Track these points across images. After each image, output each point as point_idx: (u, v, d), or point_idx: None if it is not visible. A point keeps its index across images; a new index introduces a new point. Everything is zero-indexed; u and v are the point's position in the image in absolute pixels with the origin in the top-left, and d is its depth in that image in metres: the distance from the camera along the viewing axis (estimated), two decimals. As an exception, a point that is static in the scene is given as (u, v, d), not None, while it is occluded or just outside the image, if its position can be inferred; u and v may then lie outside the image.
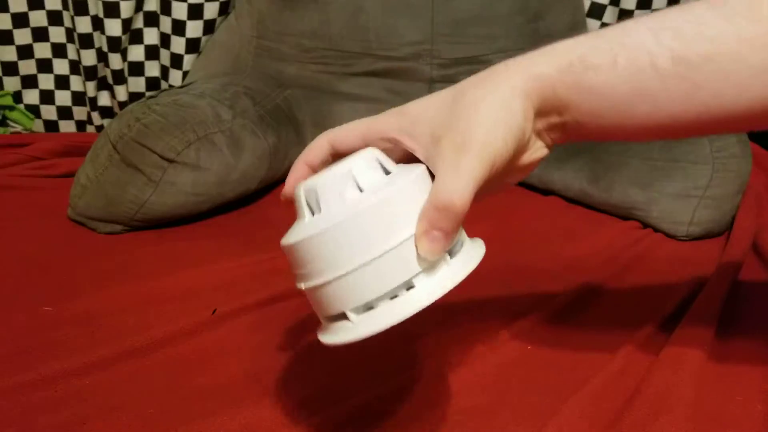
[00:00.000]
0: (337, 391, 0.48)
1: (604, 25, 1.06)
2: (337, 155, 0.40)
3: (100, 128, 1.13)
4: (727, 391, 0.48)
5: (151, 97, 0.83)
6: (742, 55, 0.34)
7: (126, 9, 1.03)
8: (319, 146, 0.41)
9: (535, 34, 0.96)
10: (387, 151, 0.39)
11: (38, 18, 1.07)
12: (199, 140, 0.77)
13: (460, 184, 0.34)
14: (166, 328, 0.55)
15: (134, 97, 1.10)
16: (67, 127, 1.14)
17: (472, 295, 0.63)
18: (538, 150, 0.40)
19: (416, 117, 0.38)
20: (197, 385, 0.49)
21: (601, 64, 0.36)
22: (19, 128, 1.12)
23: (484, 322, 0.57)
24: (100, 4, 1.02)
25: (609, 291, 0.64)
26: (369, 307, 0.35)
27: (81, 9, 1.03)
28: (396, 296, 0.35)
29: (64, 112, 1.13)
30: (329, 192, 0.36)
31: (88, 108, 1.12)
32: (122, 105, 1.10)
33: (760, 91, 0.35)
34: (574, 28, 1.02)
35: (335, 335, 0.36)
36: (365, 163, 0.36)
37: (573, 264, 0.69)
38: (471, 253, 0.37)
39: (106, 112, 1.13)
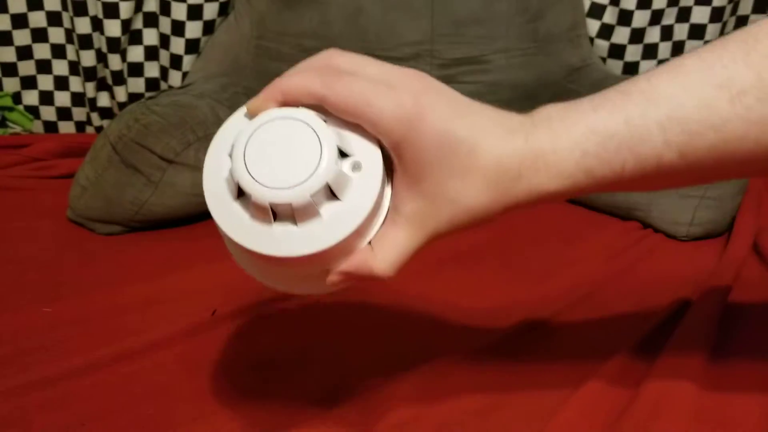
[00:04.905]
0: (337, 392, 0.48)
1: (604, 25, 1.05)
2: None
3: (99, 129, 1.13)
4: (727, 392, 0.48)
5: (150, 97, 0.83)
6: (751, 136, 0.34)
7: (125, 10, 1.03)
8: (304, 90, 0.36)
9: (535, 34, 0.96)
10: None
11: (37, 19, 1.07)
12: (198, 141, 0.77)
13: (391, 260, 0.36)
14: (165, 328, 0.55)
15: (134, 97, 1.10)
16: (66, 127, 1.14)
17: (471, 294, 0.63)
18: None
19: (420, 148, 0.35)
20: (197, 386, 0.49)
21: (607, 175, 0.36)
22: (18, 129, 1.12)
23: (483, 322, 0.57)
24: (100, 4, 1.02)
25: (609, 292, 0.64)
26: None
27: (80, 10, 1.03)
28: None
29: (64, 113, 1.13)
30: (307, 207, 0.34)
31: (87, 109, 1.12)
32: (122, 106, 1.10)
33: (763, 163, 0.35)
34: (574, 28, 1.02)
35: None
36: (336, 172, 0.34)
37: (573, 264, 0.69)
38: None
39: (106, 113, 1.13)
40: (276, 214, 0.35)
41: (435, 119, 0.35)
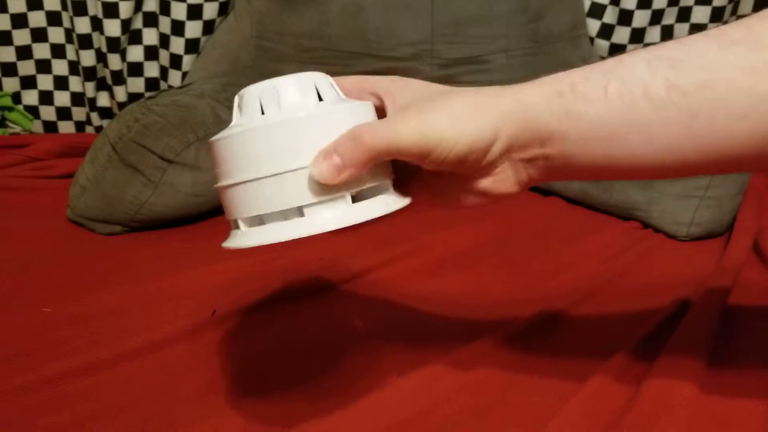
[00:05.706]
0: (337, 392, 0.48)
1: (604, 25, 1.06)
2: None
3: (99, 129, 1.13)
4: (727, 392, 0.48)
5: (150, 97, 0.83)
6: (742, 83, 0.33)
7: (125, 9, 1.03)
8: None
9: (535, 34, 0.96)
10: (376, 108, 0.40)
11: (37, 19, 1.07)
12: (198, 141, 0.77)
13: (381, 127, 0.35)
14: (165, 328, 0.55)
15: (133, 97, 1.10)
16: (66, 127, 1.14)
17: (471, 294, 0.63)
18: (506, 181, 0.39)
19: (408, 87, 0.40)
20: (197, 386, 0.49)
21: (591, 93, 0.36)
22: (18, 129, 1.12)
23: (483, 322, 0.57)
24: (99, 4, 1.02)
25: (609, 292, 0.64)
26: (261, 221, 0.37)
27: (80, 9, 1.03)
28: (287, 219, 0.36)
29: (63, 113, 1.13)
30: (251, 101, 0.37)
31: (87, 109, 1.12)
32: (121, 106, 1.10)
33: (760, 120, 0.34)
34: (574, 28, 1.02)
35: (227, 241, 0.38)
36: (297, 85, 0.37)
37: (573, 264, 0.69)
38: (381, 204, 0.37)
39: (105, 113, 1.13)
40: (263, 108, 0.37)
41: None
